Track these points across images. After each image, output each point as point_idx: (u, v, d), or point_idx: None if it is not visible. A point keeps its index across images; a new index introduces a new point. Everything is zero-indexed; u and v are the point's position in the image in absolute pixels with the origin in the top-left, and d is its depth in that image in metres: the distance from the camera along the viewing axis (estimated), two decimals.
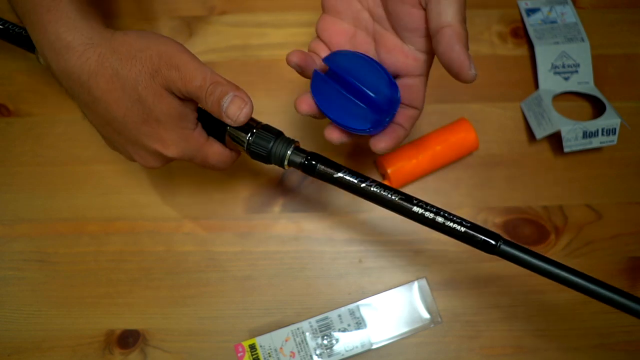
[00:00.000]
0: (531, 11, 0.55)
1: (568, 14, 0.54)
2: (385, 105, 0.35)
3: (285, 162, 0.36)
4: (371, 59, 0.36)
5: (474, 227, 0.33)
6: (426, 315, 0.46)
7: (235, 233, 0.49)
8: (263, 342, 0.44)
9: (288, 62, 0.35)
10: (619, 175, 0.51)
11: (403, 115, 0.36)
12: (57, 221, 0.49)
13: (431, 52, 0.34)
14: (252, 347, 0.43)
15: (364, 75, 0.35)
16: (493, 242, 0.32)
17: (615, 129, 0.49)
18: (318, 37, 0.38)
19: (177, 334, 0.47)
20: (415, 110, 0.37)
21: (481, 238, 0.32)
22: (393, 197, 0.33)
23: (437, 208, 0.33)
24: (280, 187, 0.50)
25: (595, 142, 0.49)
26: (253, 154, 0.36)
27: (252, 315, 0.47)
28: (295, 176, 0.51)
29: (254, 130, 0.35)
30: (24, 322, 0.47)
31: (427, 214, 0.33)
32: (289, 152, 0.35)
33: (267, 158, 0.36)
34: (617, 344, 0.47)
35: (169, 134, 0.34)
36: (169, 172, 0.51)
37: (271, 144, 0.35)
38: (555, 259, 0.51)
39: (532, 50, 0.53)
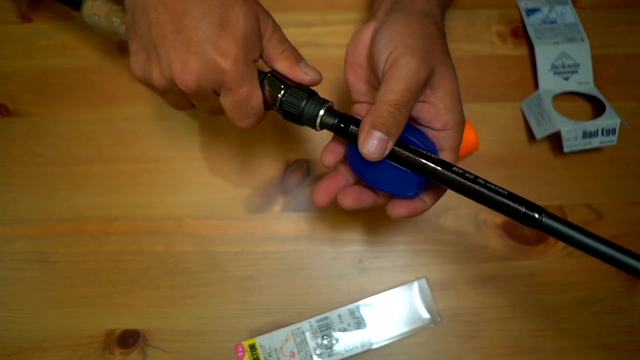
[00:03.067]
0: (531, 11, 0.55)
1: (568, 14, 0.54)
2: None
3: (317, 123, 0.34)
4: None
5: (513, 196, 0.31)
6: (426, 315, 0.46)
7: (235, 233, 0.49)
8: (263, 342, 0.44)
9: (344, 205, 0.36)
10: (619, 175, 0.51)
11: (428, 190, 0.36)
12: (57, 221, 0.49)
13: (454, 128, 0.35)
14: (252, 347, 0.43)
15: (405, 136, 0.34)
16: (536, 216, 0.30)
17: (615, 129, 0.49)
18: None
19: (177, 334, 0.47)
20: (441, 188, 0.36)
21: (522, 211, 0.30)
22: (427, 162, 0.32)
23: (475, 175, 0.32)
24: (280, 187, 0.50)
25: (595, 142, 0.49)
26: (285, 112, 0.35)
27: (252, 315, 0.47)
28: (295, 176, 0.51)
29: (289, 90, 0.35)
30: (24, 322, 0.47)
31: (464, 180, 0.32)
32: (321, 112, 0.34)
33: (299, 117, 0.35)
34: (617, 344, 0.47)
35: (237, 49, 0.33)
36: (169, 171, 0.51)
37: (304, 102, 0.34)
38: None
39: (532, 50, 0.53)
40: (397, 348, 0.46)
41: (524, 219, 0.30)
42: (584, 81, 0.52)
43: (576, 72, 0.52)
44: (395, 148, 0.33)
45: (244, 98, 0.34)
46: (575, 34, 0.53)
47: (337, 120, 0.34)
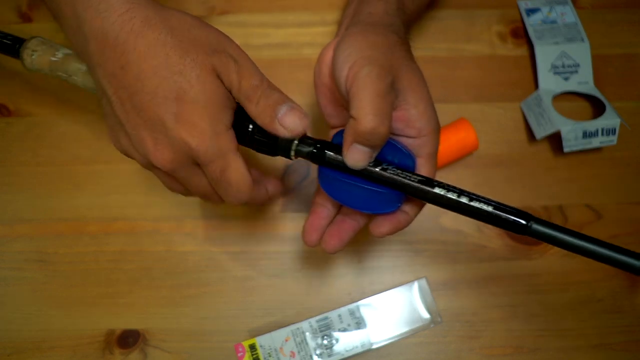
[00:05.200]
0: (531, 11, 0.55)
1: (568, 14, 0.54)
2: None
3: (292, 152, 0.33)
4: None
5: (500, 207, 0.31)
6: (426, 315, 0.46)
7: (235, 233, 0.49)
8: (263, 342, 0.44)
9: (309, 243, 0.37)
10: (619, 175, 0.51)
11: (408, 200, 0.35)
12: (57, 221, 0.49)
13: (430, 134, 0.33)
14: (252, 347, 0.43)
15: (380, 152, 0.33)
16: (524, 222, 0.30)
17: (615, 129, 0.49)
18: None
19: (177, 334, 0.47)
20: None
21: (511, 219, 0.30)
22: (411, 181, 0.32)
23: (460, 188, 0.32)
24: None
25: (595, 142, 0.49)
26: (258, 143, 0.33)
27: (252, 315, 0.47)
28: (295, 176, 0.51)
29: (256, 128, 0.33)
30: (24, 322, 0.47)
31: (449, 195, 0.31)
32: (295, 141, 0.33)
33: (272, 148, 0.33)
34: (617, 344, 0.47)
35: (201, 121, 0.30)
36: None
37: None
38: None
39: (532, 50, 0.53)
40: (397, 348, 0.46)
41: (513, 227, 0.31)
42: (584, 81, 0.52)
43: (576, 72, 0.52)
44: (373, 169, 0.32)
45: (219, 171, 0.32)
46: (575, 34, 0.53)
47: (312, 148, 0.33)
